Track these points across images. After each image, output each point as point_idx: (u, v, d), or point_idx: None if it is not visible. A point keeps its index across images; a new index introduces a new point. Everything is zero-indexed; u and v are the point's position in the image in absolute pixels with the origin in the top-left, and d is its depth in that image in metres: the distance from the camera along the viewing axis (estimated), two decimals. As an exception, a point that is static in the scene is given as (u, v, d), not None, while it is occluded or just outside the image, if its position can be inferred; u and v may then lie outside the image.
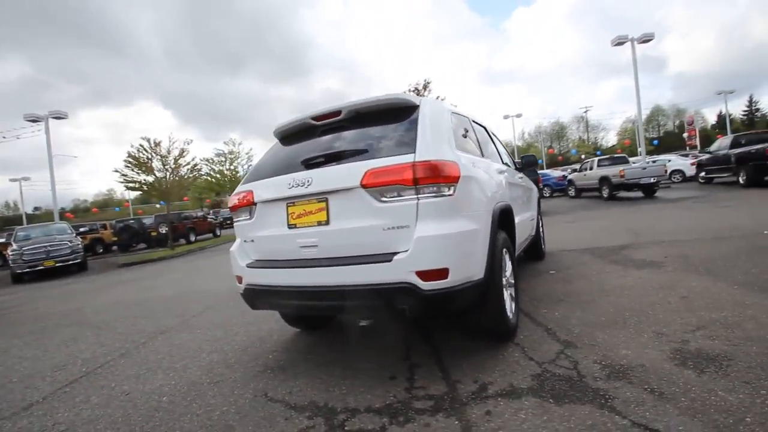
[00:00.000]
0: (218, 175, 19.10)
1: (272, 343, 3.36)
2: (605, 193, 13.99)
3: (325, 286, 2.27)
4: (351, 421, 1.99)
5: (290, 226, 2.47)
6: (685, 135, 44.48)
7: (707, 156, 14.47)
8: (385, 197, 2.16)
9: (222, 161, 19.14)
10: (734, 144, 12.76)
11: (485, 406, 1.98)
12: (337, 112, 2.58)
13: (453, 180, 2.16)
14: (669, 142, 52.23)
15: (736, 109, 51.65)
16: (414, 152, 2.16)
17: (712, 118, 60.14)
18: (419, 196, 2.11)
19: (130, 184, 13.90)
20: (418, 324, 3.27)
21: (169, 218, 15.21)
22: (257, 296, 2.66)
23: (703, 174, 14.71)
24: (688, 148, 38.73)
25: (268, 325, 3.88)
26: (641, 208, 10.56)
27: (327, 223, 2.32)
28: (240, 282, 2.75)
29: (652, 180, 12.72)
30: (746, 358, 2.10)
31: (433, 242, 2.06)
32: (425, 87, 15.68)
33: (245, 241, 2.73)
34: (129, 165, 13.50)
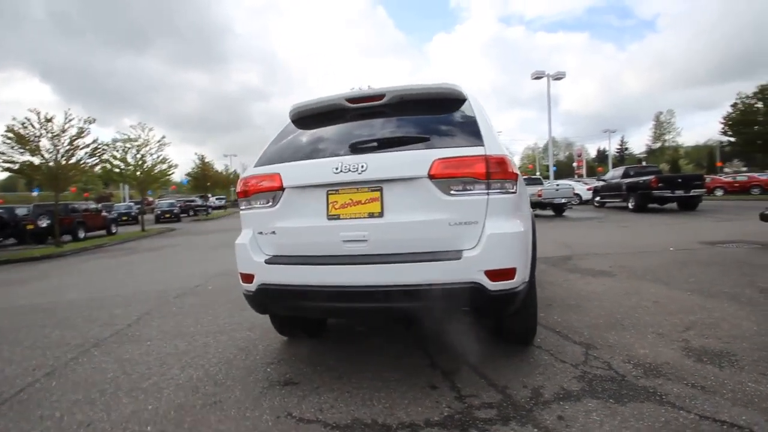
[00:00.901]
0: (120, 163, 16.49)
1: (261, 354, 2.90)
2: None
3: (374, 286, 2.00)
4: (417, 438, 1.77)
5: (331, 217, 2.16)
6: (575, 164, 51.76)
7: (602, 183, 16.96)
8: (454, 190, 2.00)
9: (128, 147, 16.57)
10: (625, 174, 15.17)
11: (552, 411, 1.92)
12: (380, 96, 2.34)
13: (515, 177, 2.10)
14: (561, 170, 60.30)
15: (611, 146, 62.18)
16: (483, 145, 2.05)
17: (593, 152, 71.20)
18: (489, 191, 2.00)
19: (8, 165, 11.20)
20: (422, 328, 3.12)
21: (56, 210, 12.63)
22: (274, 298, 2.27)
23: (598, 198, 17.14)
24: (576, 176, 45.18)
25: (240, 333, 3.38)
26: (558, 224, 11.82)
27: (380, 215, 2.07)
28: (248, 281, 2.33)
29: (563, 200, 14.32)
30: (745, 354, 2.39)
31: (504, 241, 1.97)
32: None
33: (261, 232, 2.32)
34: (8, 142, 10.89)
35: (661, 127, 65.20)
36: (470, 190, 2.00)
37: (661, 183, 12.99)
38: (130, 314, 4.26)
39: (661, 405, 1.91)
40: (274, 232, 2.28)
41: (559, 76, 20.49)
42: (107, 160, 15.62)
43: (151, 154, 17.60)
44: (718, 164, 42.10)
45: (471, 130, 2.15)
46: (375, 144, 2.18)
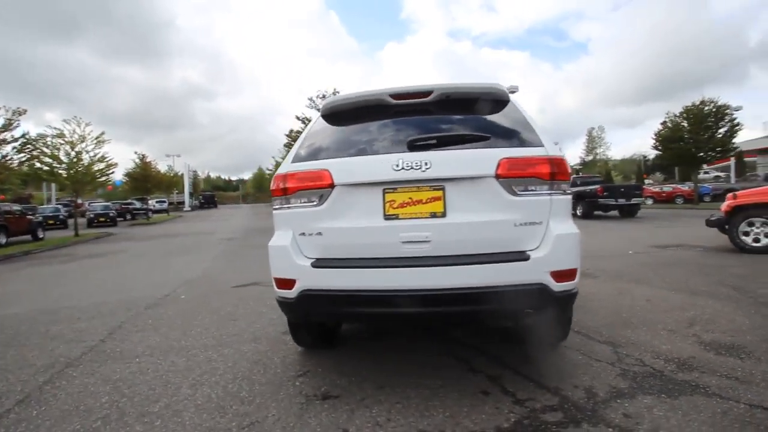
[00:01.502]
0: (52, 161, 14.66)
1: (281, 366, 2.66)
2: None
3: (437, 290, 1.91)
4: (498, 447, 1.69)
5: (388, 217, 2.04)
6: None
7: None
8: (519, 190, 1.97)
9: (60, 144, 14.77)
10: (572, 183, 16.24)
11: (615, 409, 1.94)
12: (426, 93, 2.26)
13: (569, 179, 2.13)
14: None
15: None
16: (543, 146, 2.05)
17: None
18: (552, 192, 1.99)
19: None
20: (445, 331, 3.06)
21: (-29, 211, 10.95)
22: (320, 304, 2.10)
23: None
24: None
25: (245, 345, 3.09)
26: None
27: (443, 215, 2.00)
28: (287, 287, 2.12)
29: None
30: (755, 346, 2.60)
31: (568, 241, 1.97)
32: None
33: (304, 234, 2.13)
34: None
35: (593, 141, 69.97)
36: (535, 190, 1.98)
37: (606, 192, 14.13)
38: (99, 328, 3.74)
39: (709, 397, 2.00)
40: (320, 233, 2.11)
41: (512, 90, 21.52)
42: (37, 156, 13.86)
43: (88, 152, 15.94)
44: (644, 176, 46.69)
45: (527, 131, 2.15)
46: (435, 141, 2.10)
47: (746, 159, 35.99)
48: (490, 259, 1.93)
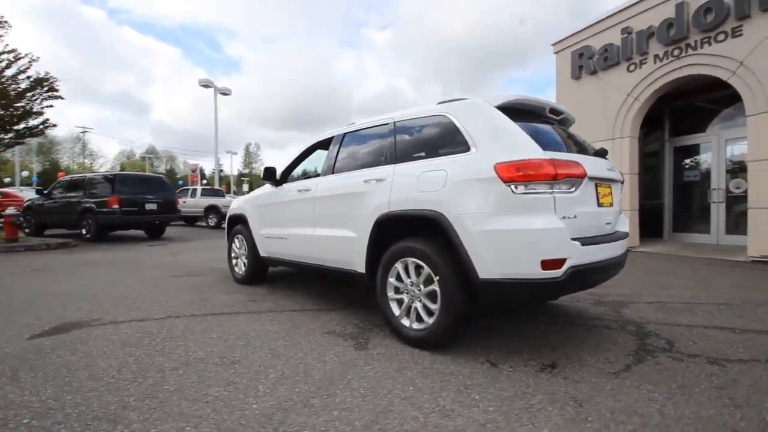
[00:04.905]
0: None
1: (338, 373, 1.95)
2: (212, 221, 14.47)
3: (616, 258, 2.65)
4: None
5: (599, 205, 2.59)
6: (190, 179, 47.62)
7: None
8: None
9: None
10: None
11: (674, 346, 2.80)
12: (561, 113, 2.92)
13: None
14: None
15: (209, 166, 58.79)
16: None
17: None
18: None
19: None
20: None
21: None
22: (580, 278, 2.30)
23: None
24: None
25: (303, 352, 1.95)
26: None
27: (611, 205, 2.73)
28: (555, 267, 2.15)
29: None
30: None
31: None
32: None
33: (565, 216, 2.27)
34: None
35: (250, 156, 76.50)
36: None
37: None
38: None
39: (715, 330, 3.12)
40: (575, 216, 2.33)
41: (225, 92, 20.40)
42: None
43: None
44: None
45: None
46: (602, 151, 2.91)
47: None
48: (625, 236, 2.83)
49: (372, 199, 2.83)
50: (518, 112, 2.57)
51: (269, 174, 4.02)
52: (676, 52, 6.88)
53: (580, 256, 2.24)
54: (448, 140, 2.59)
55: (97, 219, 9.14)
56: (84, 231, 9.41)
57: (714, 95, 7.53)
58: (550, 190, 2.21)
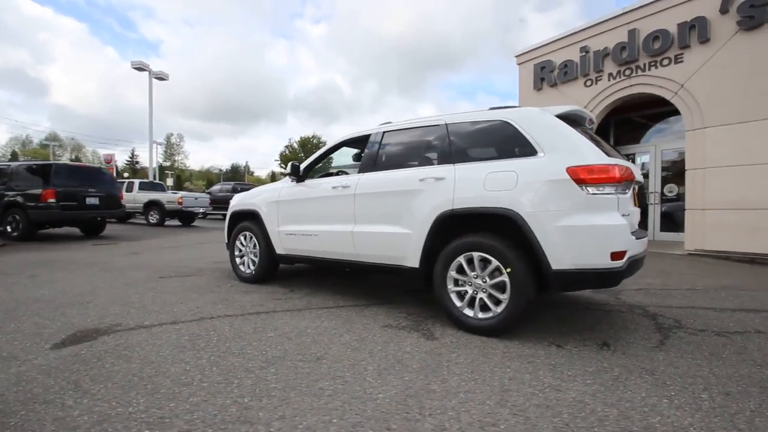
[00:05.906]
0: None
1: (432, 361, 2.14)
2: (153, 218, 13.11)
3: (644, 252, 3.03)
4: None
5: (635, 204, 2.89)
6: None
7: (212, 196, 16.52)
8: None
9: None
10: (233, 189, 16.05)
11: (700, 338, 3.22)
12: (594, 123, 3.23)
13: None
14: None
15: (154, 156, 61.04)
16: None
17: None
18: None
19: None
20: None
21: None
22: (634, 267, 2.74)
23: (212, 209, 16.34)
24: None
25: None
26: (204, 235, 9.57)
27: (635, 205, 2.96)
28: (620, 258, 2.48)
29: (202, 210, 14.04)
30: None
31: None
32: None
33: (624, 214, 2.57)
34: None
35: (171, 148, 69.27)
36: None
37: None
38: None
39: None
40: (627, 214, 2.61)
41: (161, 76, 19.16)
42: None
43: None
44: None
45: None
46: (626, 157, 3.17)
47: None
48: (645, 235, 3.17)
49: (430, 197, 2.93)
50: (567, 120, 2.84)
51: (295, 170, 3.93)
52: (627, 72, 7.88)
53: (633, 248, 2.62)
54: (512, 144, 2.79)
55: (27, 215, 7.99)
56: (9, 228, 8.15)
57: (652, 111, 8.76)
58: (614, 192, 2.51)
